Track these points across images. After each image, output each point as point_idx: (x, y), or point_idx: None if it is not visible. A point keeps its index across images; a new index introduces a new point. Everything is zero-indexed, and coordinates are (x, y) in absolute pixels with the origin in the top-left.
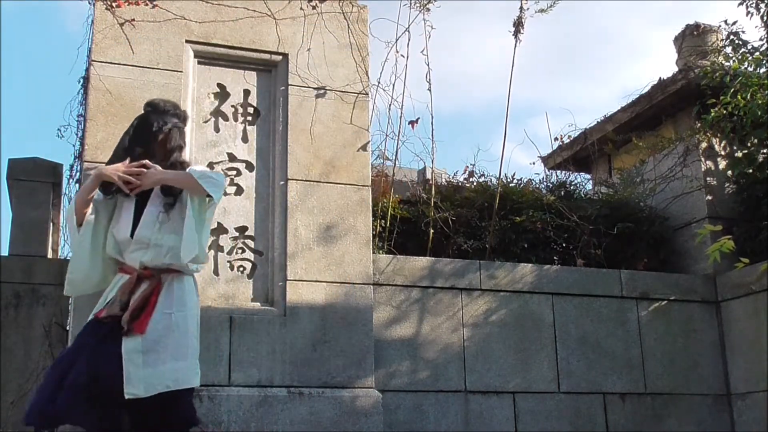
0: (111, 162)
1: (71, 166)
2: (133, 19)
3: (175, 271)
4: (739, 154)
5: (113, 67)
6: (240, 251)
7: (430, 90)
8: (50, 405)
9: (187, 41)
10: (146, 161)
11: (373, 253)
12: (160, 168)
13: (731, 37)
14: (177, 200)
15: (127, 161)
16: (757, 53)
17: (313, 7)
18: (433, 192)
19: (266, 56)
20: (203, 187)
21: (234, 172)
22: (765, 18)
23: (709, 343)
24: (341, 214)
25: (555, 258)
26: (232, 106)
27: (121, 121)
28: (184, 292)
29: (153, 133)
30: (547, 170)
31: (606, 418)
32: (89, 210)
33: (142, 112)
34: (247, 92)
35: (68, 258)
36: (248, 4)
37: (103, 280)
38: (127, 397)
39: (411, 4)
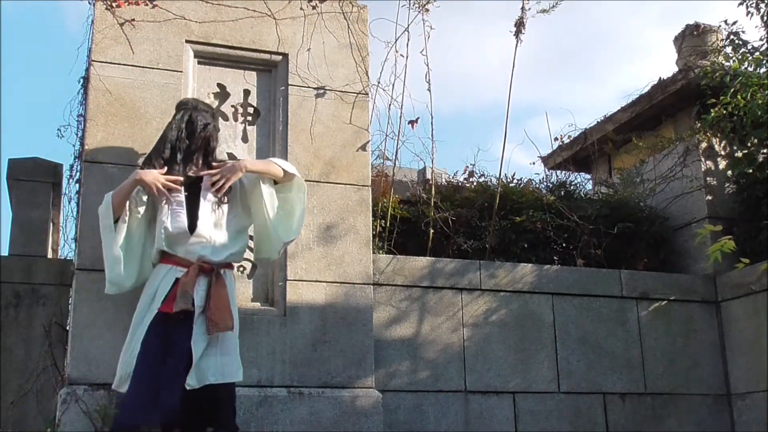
0: (151, 156)
1: (71, 166)
2: (133, 19)
3: (226, 264)
4: (739, 154)
5: (113, 67)
6: None
7: (429, 90)
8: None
9: (187, 41)
10: (179, 178)
11: (373, 253)
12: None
13: (731, 37)
14: (229, 198)
15: (165, 170)
16: (757, 53)
17: (313, 7)
18: (433, 192)
19: (266, 56)
20: (288, 170)
21: None
22: (765, 18)
23: (709, 343)
24: (341, 214)
25: (555, 258)
26: (232, 106)
27: (121, 121)
28: (233, 288)
29: (199, 131)
30: (547, 170)
31: (606, 418)
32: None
33: (179, 110)
34: (247, 92)
35: (69, 258)
36: (248, 4)
37: (148, 274)
38: (187, 388)
39: (410, 4)
